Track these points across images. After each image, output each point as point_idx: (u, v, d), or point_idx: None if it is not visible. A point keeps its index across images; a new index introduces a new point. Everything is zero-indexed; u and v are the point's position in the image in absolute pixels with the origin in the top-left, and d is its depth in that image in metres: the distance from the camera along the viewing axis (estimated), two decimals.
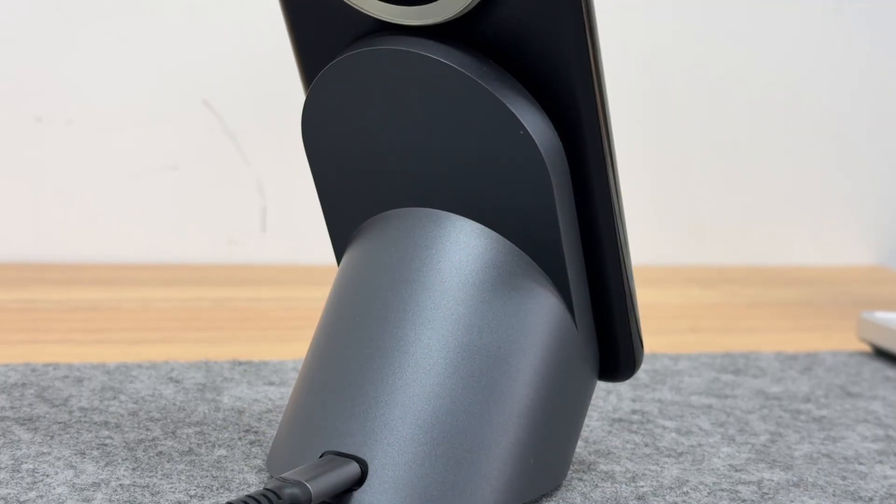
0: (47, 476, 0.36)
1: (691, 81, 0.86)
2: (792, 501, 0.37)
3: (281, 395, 0.47)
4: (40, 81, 0.74)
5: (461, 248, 0.34)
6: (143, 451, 0.39)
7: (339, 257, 0.38)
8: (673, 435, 0.44)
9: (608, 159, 0.34)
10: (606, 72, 0.33)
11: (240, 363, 0.51)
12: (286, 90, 0.70)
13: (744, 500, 0.37)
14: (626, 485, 0.38)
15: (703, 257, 0.86)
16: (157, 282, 0.71)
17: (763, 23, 0.86)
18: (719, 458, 0.42)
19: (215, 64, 0.76)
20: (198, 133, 0.76)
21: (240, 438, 0.41)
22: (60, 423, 0.41)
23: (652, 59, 0.85)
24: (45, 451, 0.38)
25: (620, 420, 0.45)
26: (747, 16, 0.86)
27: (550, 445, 0.35)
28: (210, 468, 0.38)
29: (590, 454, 0.41)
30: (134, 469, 0.37)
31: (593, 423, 0.44)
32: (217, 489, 0.36)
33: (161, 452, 0.39)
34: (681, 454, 0.42)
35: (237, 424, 0.42)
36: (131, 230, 0.76)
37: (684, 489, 0.38)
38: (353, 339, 0.34)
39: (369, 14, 0.33)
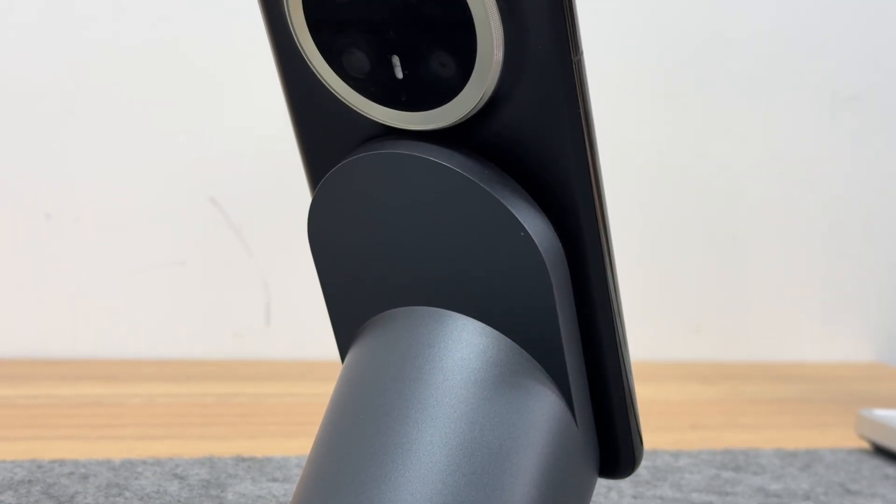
0: None
1: (689, 176, 0.87)
2: None
3: (285, 491, 0.47)
4: (49, 179, 0.75)
5: (463, 346, 0.35)
6: None
7: (343, 354, 0.38)
8: None
9: (606, 259, 0.35)
10: (604, 173, 0.34)
11: (244, 459, 0.51)
12: (291, 188, 0.71)
13: None
14: None
15: (702, 353, 0.86)
16: (162, 377, 0.71)
17: (761, 116, 0.88)
18: None
19: (222, 162, 0.77)
20: (204, 229, 0.77)
21: None
22: None
23: (649, 152, 0.86)
24: None
25: None
26: (746, 108, 0.87)
27: None
28: None
29: None
30: None
31: None
32: None
33: None
34: None
35: None
36: (136, 325, 0.77)
37: None
38: (357, 436, 0.35)
39: (375, 119, 0.33)
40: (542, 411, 0.35)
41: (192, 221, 0.77)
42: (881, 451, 0.59)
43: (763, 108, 0.87)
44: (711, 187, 0.87)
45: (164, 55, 0.75)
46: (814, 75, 0.88)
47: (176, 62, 0.76)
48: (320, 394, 0.43)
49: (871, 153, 0.90)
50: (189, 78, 0.76)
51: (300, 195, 0.53)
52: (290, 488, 0.47)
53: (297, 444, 0.52)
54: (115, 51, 0.75)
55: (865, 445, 0.61)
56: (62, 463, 0.49)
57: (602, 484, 0.48)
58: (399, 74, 0.32)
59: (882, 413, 0.60)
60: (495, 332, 0.35)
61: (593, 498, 0.39)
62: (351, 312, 0.38)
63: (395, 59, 0.32)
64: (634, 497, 0.48)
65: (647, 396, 0.67)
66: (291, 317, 0.79)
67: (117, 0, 0.74)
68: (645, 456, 0.39)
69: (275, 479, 0.48)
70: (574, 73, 0.31)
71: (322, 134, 0.36)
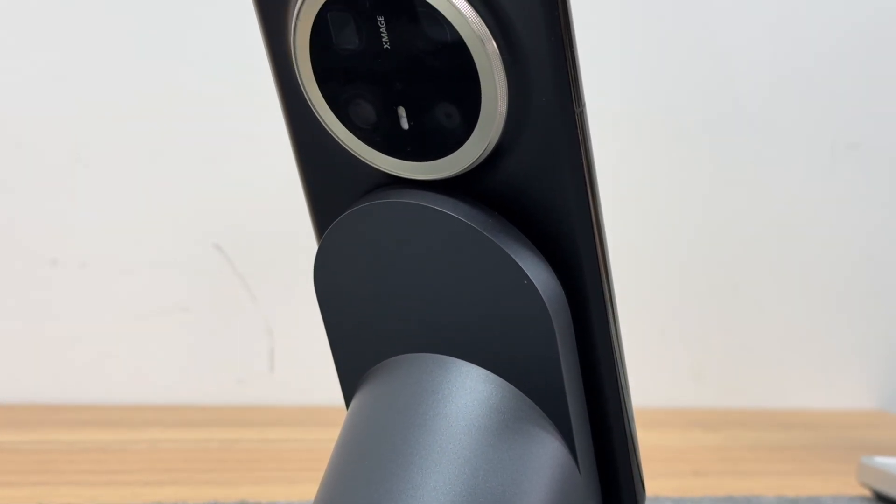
0: None
1: (690, 225, 0.87)
2: None
3: None
4: (56, 225, 0.75)
5: (467, 393, 0.35)
6: None
7: (347, 400, 0.39)
8: None
9: (609, 307, 0.35)
10: (606, 222, 0.35)
11: None
12: (295, 235, 0.72)
13: None
14: None
15: (704, 400, 0.86)
16: (166, 423, 0.71)
17: (762, 166, 0.88)
18: None
19: (227, 209, 0.78)
20: (208, 276, 0.78)
21: None
22: None
23: (650, 202, 0.86)
24: None
25: None
26: (747, 158, 0.88)
27: None
28: None
29: None
30: None
31: None
32: None
33: None
34: None
35: None
36: (141, 371, 0.77)
37: None
38: (362, 482, 0.35)
39: (380, 168, 0.34)
40: (545, 457, 0.35)
41: (197, 268, 0.77)
42: (883, 499, 0.59)
43: (763, 157, 0.88)
44: (712, 236, 0.88)
45: (170, 103, 0.76)
46: (812, 124, 0.89)
47: (181, 110, 0.76)
48: (324, 439, 0.43)
49: (872, 201, 0.91)
50: (195, 126, 0.77)
51: (304, 242, 0.54)
52: None
53: (301, 489, 0.52)
54: (123, 100, 0.75)
55: (867, 493, 0.61)
56: None
57: None
58: (405, 125, 0.32)
59: (884, 461, 0.60)
60: (499, 379, 0.35)
61: None
62: (356, 358, 0.38)
63: (401, 111, 0.32)
64: None
65: (649, 443, 0.67)
66: (295, 363, 0.79)
67: (125, 50, 0.75)
68: (647, 502, 0.39)
69: None
70: (576, 125, 0.31)
71: (328, 182, 0.36)
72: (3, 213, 0.74)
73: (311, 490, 0.38)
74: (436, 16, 0.30)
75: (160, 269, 0.77)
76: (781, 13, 0.87)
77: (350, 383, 0.38)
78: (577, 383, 0.36)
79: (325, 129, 0.34)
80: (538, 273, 0.34)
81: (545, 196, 0.34)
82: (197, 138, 0.77)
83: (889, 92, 0.90)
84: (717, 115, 0.87)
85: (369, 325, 0.37)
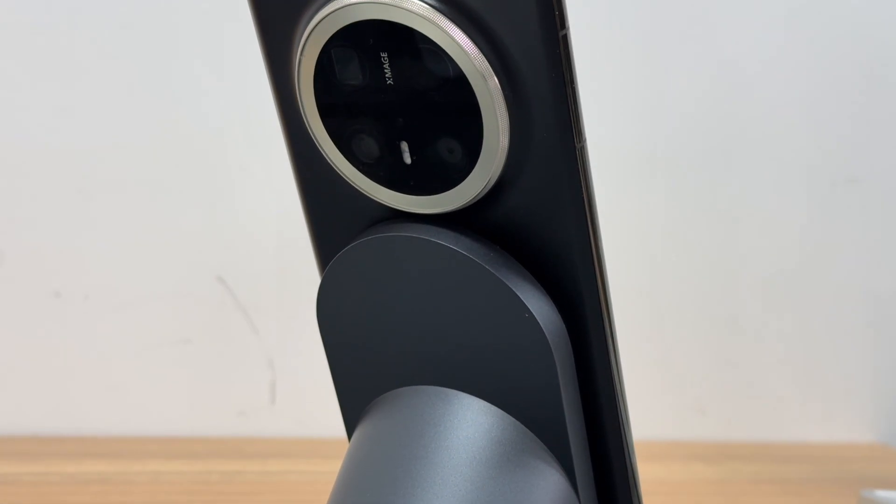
0: None
1: (690, 259, 0.87)
2: None
3: None
4: (59, 258, 0.75)
5: (468, 425, 0.35)
6: None
7: (350, 432, 0.39)
8: None
9: (609, 340, 0.35)
10: (607, 256, 0.35)
11: None
12: (297, 268, 0.72)
13: None
14: None
15: (704, 433, 0.86)
16: (168, 455, 0.71)
17: (761, 199, 0.88)
18: None
19: (229, 241, 0.78)
20: (210, 308, 0.78)
21: None
22: None
23: (651, 236, 0.86)
24: None
25: None
26: (745, 192, 0.88)
27: None
28: None
29: None
30: None
31: None
32: None
33: None
34: None
35: None
36: (143, 403, 0.77)
37: None
38: None
39: (383, 202, 0.34)
40: (546, 490, 0.35)
41: (199, 300, 0.78)
42: None
43: (762, 191, 0.88)
44: (713, 270, 0.88)
45: (174, 137, 0.76)
46: (812, 159, 0.89)
47: (185, 143, 0.77)
48: (326, 472, 0.43)
49: (870, 235, 0.91)
50: (198, 159, 0.77)
51: (305, 274, 0.54)
52: None
53: None
54: (126, 132, 0.76)
55: None
56: None
57: None
58: (407, 160, 0.33)
59: (884, 494, 0.60)
60: (500, 412, 0.35)
61: None
62: (358, 390, 0.38)
63: (404, 145, 0.32)
64: None
65: (650, 476, 0.67)
66: (296, 395, 0.79)
67: (129, 83, 0.75)
68: None
69: None
70: (577, 159, 0.32)
71: (332, 215, 0.37)
72: (7, 244, 0.74)
73: None
74: (438, 52, 0.30)
75: (163, 301, 0.77)
76: (780, 49, 0.87)
77: (352, 415, 0.38)
78: (577, 416, 0.36)
79: (328, 162, 0.34)
80: (539, 306, 0.34)
81: (546, 229, 0.34)
82: (200, 171, 0.77)
83: (887, 126, 0.90)
84: (716, 149, 0.87)
85: (372, 357, 0.37)
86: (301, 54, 0.32)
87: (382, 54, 0.31)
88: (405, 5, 0.30)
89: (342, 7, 0.31)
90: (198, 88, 0.77)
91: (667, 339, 0.87)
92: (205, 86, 0.77)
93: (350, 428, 0.39)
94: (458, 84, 0.30)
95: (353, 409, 0.38)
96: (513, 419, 0.35)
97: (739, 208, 0.88)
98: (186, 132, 0.77)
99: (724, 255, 0.88)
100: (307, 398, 0.78)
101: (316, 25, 0.31)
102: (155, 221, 0.77)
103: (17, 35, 0.74)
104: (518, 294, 0.34)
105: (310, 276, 0.38)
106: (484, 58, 0.30)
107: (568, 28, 0.30)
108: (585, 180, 0.32)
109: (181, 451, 0.73)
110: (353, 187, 0.34)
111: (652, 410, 0.84)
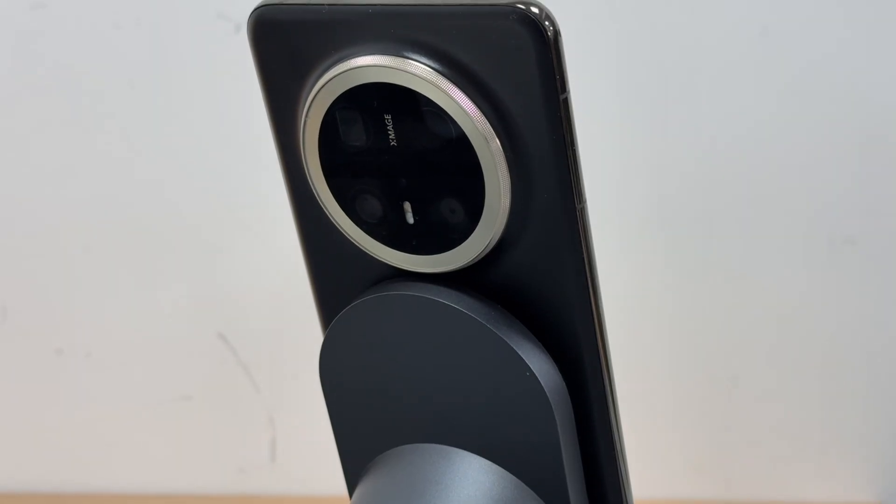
0: None
1: (688, 319, 0.87)
2: None
3: None
4: (62, 315, 0.75)
5: (469, 484, 0.35)
6: None
7: (351, 489, 0.39)
8: None
9: (609, 399, 0.36)
10: (606, 315, 0.35)
11: None
12: (299, 326, 0.72)
13: None
14: None
15: (703, 492, 0.86)
16: None
17: (758, 259, 0.88)
18: None
19: (231, 298, 0.78)
20: (211, 364, 0.78)
21: None
22: None
23: (649, 296, 0.87)
24: None
25: None
26: (743, 252, 0.88)
27: None
28: None
29: None
30: None
31: None
32: None
33: None
34: None
35: None
36: (143, 460, 0.77)
37: None
38: None
39: (386, 262, 0.35)
40: None
41: (200, 357, 0.78)
42: None
43: (759, 251, 0.88)
44: (710, 331, 0.88)
45: (175, 194, 0.77)
46: (808, 218, 0.89)
47: (187, 201, 0.77)
48: None
49: (869, 296, 0.91)
50: (199, 216, 0.77)
51: (307, 332, 0.54)
52: None
53: None
54: (128, 190, 0.76)
55: None
56: None
57: None
58: (410, 220, 0.33)
59: None
60: (500, 470, 0.36)
61: None
62: (360, 448, 0.38)
63: (407, 206, 0.33)
64: None
65: None
66: (297, 453, 0.79)
67: (128, 141, 0.76)
68: None
69: None
70: (577, 220, 0.32)
71: (334, 274, 0.37)
72: (10, 300, 0.75)
73: None
74: (441, 114, 0.31)
75: (164, 358, 0.77)
76: (776, 107, 0.88)
77: (353, 473, 0.39)
78: (578, 474, 0.36)
79: (331, 221, 0.34)
80: (540, 365, 0.34)
81: (547, 289, 0.34)
82: (201, 228, 0.77)
83: (885, 186, 0.91)
84: (711, 209, 0.87)
85: (373, 415, 0.37)
86: (306, 115, 0.32)
87: (386, 116, 0.31)
88: (409, 69, 0.30)
89: (348, 70, 0.31)
90: (200, 146, 0.77)
91: (666, 398, 0.87)
92: (208, 143, 0.77)
93: (351, 486, 0.39)
94: (461, 145, 0.31)
95: (355, 466, 0.38)
96: (514, 477, 0.36)
97: (739, 267, 0.88)
98: (187, 190, 0.77)
99: (723, 314, 0.88)
100: (308, 456, 0.77)
101: (322, 87, 0.32)
102: (157, 278, 0.77)
103: (20, 93, 0.74)
104: (519, 352, 0.34)
105: (311, 334, 0.38)
106: (486, 120, 0.30)
107: (568, 91, 0.30)
108: (586, 241, 0.33)
109: None
110: (356, 246, 0.34)
111: (651, 469, 0.84)
